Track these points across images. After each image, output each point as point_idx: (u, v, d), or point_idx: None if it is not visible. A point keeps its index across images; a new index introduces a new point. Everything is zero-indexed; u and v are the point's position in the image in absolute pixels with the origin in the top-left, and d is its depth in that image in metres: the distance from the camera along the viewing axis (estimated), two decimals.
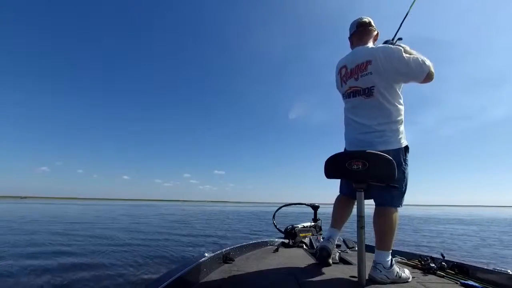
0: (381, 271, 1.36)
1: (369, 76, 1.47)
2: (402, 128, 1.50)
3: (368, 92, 1.49)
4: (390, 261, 1.38)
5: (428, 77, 1.46)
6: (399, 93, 1.52)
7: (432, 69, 1.45)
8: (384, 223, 1.44)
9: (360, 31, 1.63)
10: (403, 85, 1.54)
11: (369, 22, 1.62)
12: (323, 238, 2.69)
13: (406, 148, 1.50)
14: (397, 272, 1.37)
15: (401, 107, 1.52)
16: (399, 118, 1.49)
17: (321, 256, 1.65)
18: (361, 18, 1.64)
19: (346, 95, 1.62)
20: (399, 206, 1.47)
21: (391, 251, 1.42)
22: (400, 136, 1.49)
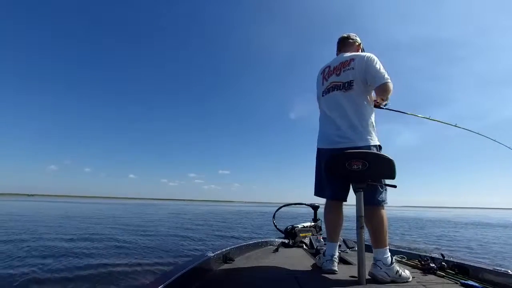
0: (381, 268, 1.38)
1: (351, 71, 1.61)
2: (375, 127, 1.61)
3: (348, 86, 1.60)
4: (390, 258, 1.41)
5: (385, 88, 1.56)
6: (372, 94, 1.66)
7: (391, 87, 1.58)
8: (379, 221, 1.48)
9: (342, 45, 1.86)
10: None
11: (348, 36, 1.85)
12: (323, 238, 2.69)
13: (380, 146, 1.57)
14: (398, 270, 1.39)
15: (373, 108, 1.65)
16: (373, 117, 1.62)
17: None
18: (341, 35, 1.88)
19: (326, 91, 1.72)
20: (385, 203, 1.53)
21: (388, 247, 1.45)
22: (374, 134, 1.57)
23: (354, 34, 1.86)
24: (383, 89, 1.58)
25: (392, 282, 1.36)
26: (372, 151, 1.44)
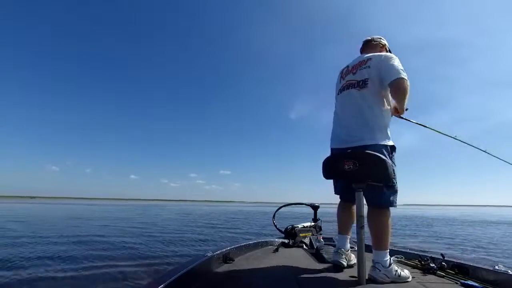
0: (380, 270, 1.38)
1: (367, 69, 1.57)
2: (388, 128, 1.55)
3: (362, 84, 1.57)
4: (388, 260, 1.40)
5: (399, 84, 1.45)
6: (388, 95, 1.57)
7: (406, 85, 1.46)
8: (381, 223, 1.45)
9: (365, 47, 1.83)
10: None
11: (371, 38, 1.82)
12: (323, 238, 2.69)
13: (393, 147, 1.52)
14: (396, 270, 1.39)
15: (388, 109, 1.57)
16: (387, 117, 1.56)
17: (336, 270, 1.59)
18: (365, 38, 1.85)
19: (341, 89, 1.69)
20: (392, 206, 1.47)
21: (388, 250, 1.44)
22: (386, 134, 1.52)
23: (379, 36, 1.82)
24: (396, 86, 1.46)
25: (392, 282, 1.36)
26: (365, 150, 1.39)
